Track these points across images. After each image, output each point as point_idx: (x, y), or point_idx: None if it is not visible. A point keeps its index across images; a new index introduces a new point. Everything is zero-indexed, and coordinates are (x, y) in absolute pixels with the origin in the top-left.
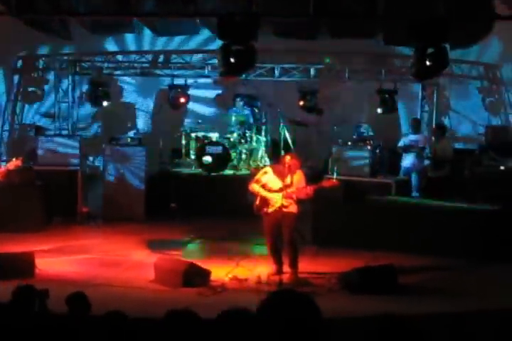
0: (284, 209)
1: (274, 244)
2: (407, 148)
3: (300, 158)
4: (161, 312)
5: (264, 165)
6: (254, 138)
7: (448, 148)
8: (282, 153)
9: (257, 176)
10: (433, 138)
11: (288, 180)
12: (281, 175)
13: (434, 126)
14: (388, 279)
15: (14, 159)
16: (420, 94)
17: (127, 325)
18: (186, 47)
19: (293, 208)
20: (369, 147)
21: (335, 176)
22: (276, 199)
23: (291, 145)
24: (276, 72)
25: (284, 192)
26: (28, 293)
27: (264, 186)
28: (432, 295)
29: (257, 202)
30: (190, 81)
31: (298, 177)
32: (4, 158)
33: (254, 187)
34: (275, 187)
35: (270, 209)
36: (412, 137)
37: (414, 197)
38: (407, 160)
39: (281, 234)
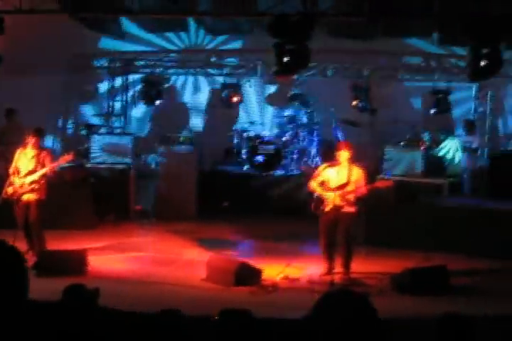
0: (341, 209)
1: (328, 244)
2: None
3: (351, 151)
4: (214, 310)
5: (316, 165)
6: (307, 138)
7: None
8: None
9: (316, 174)
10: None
11: (345, 178)
12: (338, 174)
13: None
14: (440, 280)
15: (66, 154)
16: (474, 94)
17: (182, 323)
18: (234, 45)
19: (350, 208)
20: (422, 147)
21: (387, 177)
22: (332, 198)
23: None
24: (329, 72)
25: (340, 190)
26: (79, 291)
27: (321, 184)
28: (484, 297)
29: (315, 201)
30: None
31: (356, 176)
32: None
33: (312, 184)
34: (332, 185)
35: (326, 208)
36: (466, 138)
37: (466, 197)
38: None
39: (337, 233)
